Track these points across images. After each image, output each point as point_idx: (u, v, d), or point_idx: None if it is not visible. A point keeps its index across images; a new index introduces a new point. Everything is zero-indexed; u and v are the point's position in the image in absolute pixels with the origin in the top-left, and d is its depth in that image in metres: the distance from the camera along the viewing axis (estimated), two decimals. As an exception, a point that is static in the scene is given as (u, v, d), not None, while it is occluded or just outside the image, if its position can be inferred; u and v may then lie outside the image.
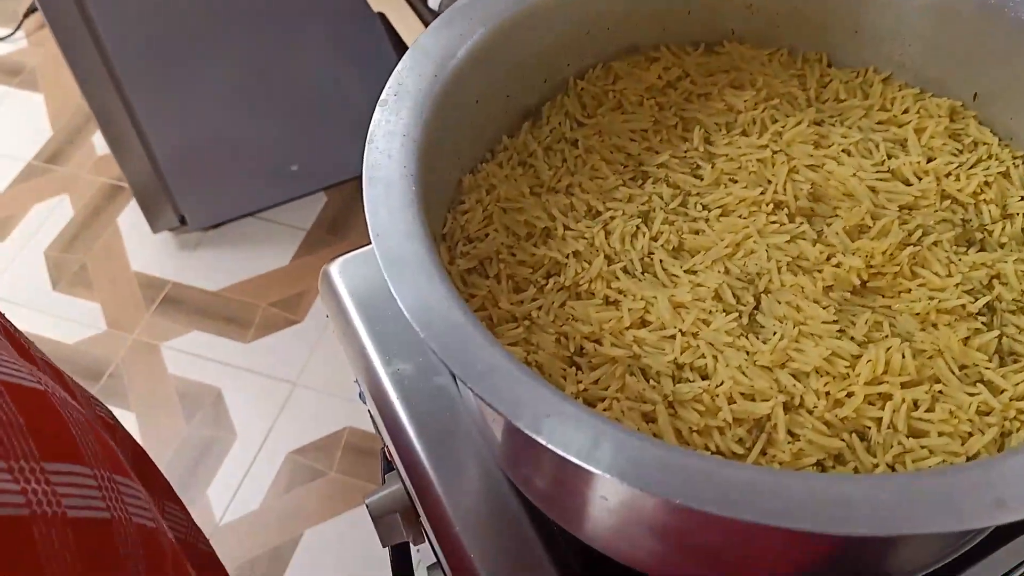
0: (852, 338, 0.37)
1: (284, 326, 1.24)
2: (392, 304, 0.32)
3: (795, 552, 0.33)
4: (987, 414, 0.35)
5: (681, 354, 0.37)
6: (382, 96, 0.40)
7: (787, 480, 0.27)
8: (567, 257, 0.41)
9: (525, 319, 0.39)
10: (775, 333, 0.37)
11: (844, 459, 0.34)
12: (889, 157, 0.44)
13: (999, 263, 0.40)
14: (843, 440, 0.34)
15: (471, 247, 0.42)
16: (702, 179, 0.44)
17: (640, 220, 0.42)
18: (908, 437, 0.34)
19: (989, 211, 0.42)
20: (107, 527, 0.27)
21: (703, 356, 0.37)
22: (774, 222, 0.41)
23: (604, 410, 0.35)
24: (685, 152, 0.46)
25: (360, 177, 0.37)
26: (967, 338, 0.37)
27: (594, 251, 0.41)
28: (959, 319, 0.38)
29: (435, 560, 0.44)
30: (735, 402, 0.35)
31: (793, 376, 0.36)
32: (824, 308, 0.38)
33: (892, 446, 0.34)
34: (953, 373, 0.36)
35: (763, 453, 0.34)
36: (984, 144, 0.44)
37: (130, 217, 1.37)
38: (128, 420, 1.14)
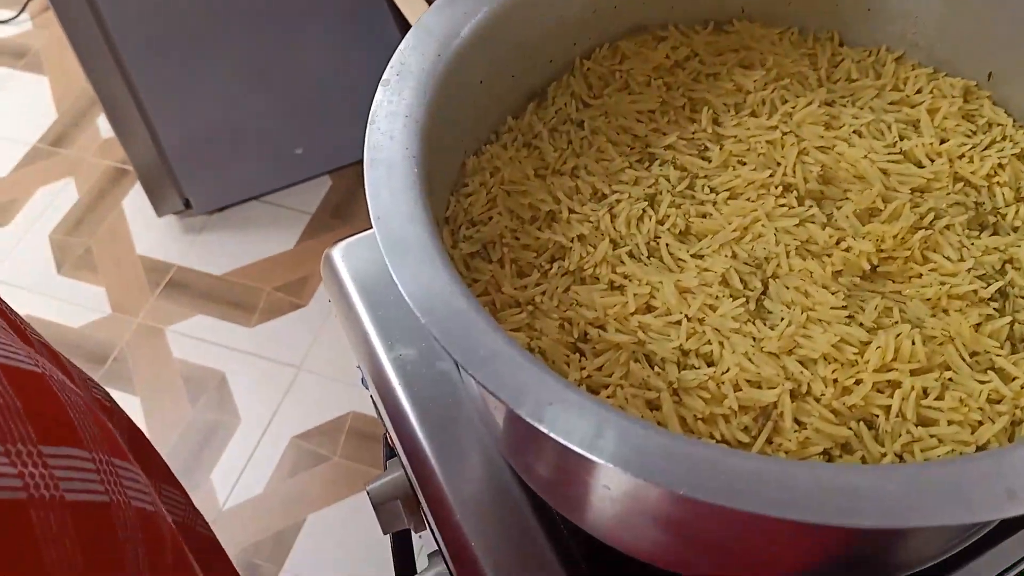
0: (861, 324, 0.36)
1: (288, 310, 1.24)
2: (394, 289, 0.32)
3: (800, 541, 0.32)
4: (998, 402, 0.34)
5: (687, 340, 0.36)
6: (384, 76, 0.40)
7: (793, 470, 0.27)
8: (572, 241, 0.40)
9: (528, 304, 0.38)
10: (783, 319, 0.37)
11: (851, 448, 0.33)
12: (901, 138, 0.43)
13: (1012, 247, 0.39)
14: (850, 429, 0.33)
15: (474, 231, 0.41)
16: (710, 161, 0.43)
17: (646, 203, 0.42)
18: (917, 426, 0.33)
19: (1003, 194, 0.41)
20: (106, 511, 0.27)
21: (709, 342, 0.36)
22: (783, 205, 0.40)
23: (608, 397, 0.35)
24: (693, 134, 0.45)
25: (365, 160, 0.37)
26: (978, 324, 0.36)
27: (599, 235, 0.41)
28: (971, 305, 0.37)
29: (436, 548, 0.44)
30: (741, 389, 0.34)
31: (800, 363, 0.35)
32: (833, 293, 0.37)
33: (900, 435, 0.33)
34: (964, 360, 0.35)
35: (769, 442, 0.33)
36: (998, 125, 0.43)
37: (135, 200, 1.37)
38: (132, 404, 1.15)
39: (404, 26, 0.90)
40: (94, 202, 1.39)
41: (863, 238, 0.39)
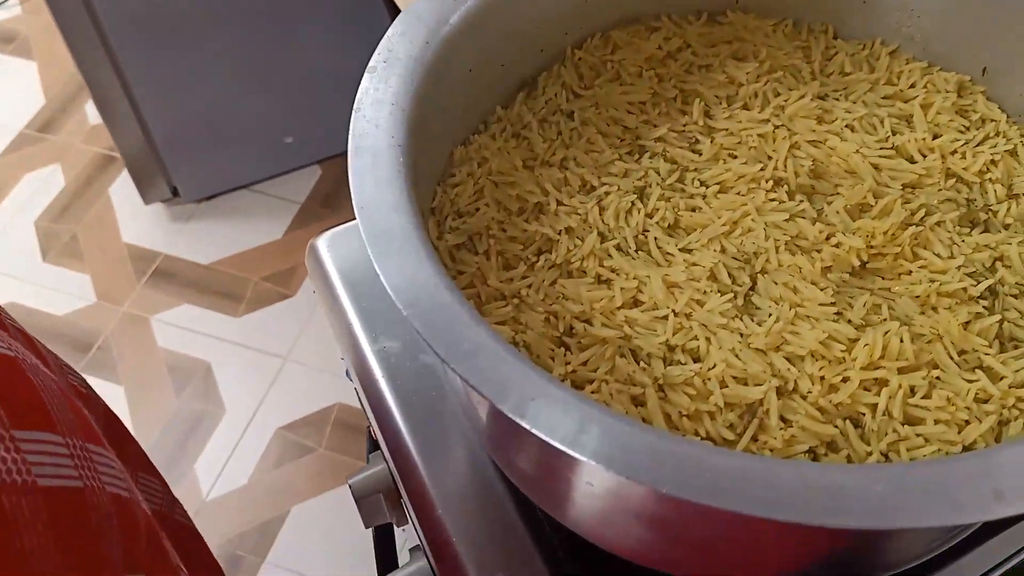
0: (849, 321, 0.36)
1: (276, 300, 1.23)
2: (380, 280, 0.31)
3: (785, 540, 0.32)
4: (985, 401, 0.34)
5: (673, 335, 0.36)
6: (371, 63, 0.39)
7: (778, 469, 0.26)
8: (559, 233, 0.40)
9: (514, 297, 0.38)
10: (770, 315, 0.36)
11: (837, 447, 0.33)
12: (894, 133, 0.42)
13: (1003, 245, 0.38)
14: (836, 427, 0.33)
15: (461, 222, 0.41)
16: (700, 154, 0.43)
17: (635, 196, 0.41)
18: (903, 424, 0.33)
19: (995, 191, 0.40)
20: (80, 496, 0.27)
21: (696, 338, 0.35)
22: (773, 199, 0.40)
23: (592, 392, 0.34)
24: (684, 126, 0.44)
25: (354, 150, 0.36)
26: (967, 322, 0.36)
27: (587, 228, 0.40)
28: (960, 303, 0.36)
29: (418, 542, 0.44)
30: (727, 386, 0.34)
31: (787, 360, 0.35)
32: (822, 290, 0.37)
33: (886, 434, 0.33)
34: (952, 359, 0.35)
35: (754, 439, 0.33)
36: (992, 121, 0.43)
37: (122, 188, 1.36)
38: (116, 393, 1.14)
39: (395, 13, 0.89)
40: (81, 189, 1.37)
41: (853, 234, 0.38)
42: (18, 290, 1.24)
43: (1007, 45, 0.42)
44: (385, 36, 0.40)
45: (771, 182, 0.40)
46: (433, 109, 0.39)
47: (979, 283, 0.37)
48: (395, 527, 0.51)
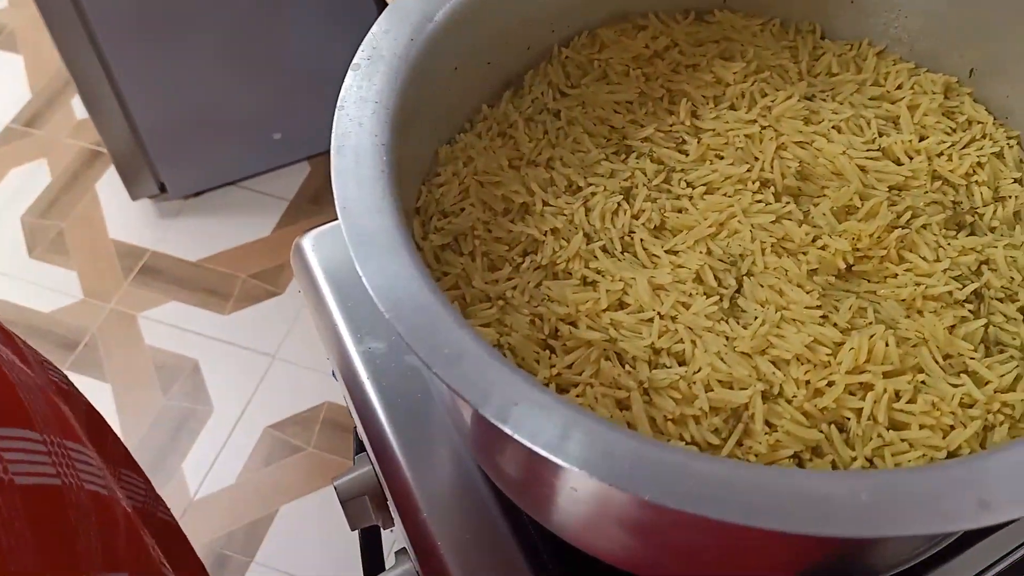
0: (835, 324, 0.36)
1: (264, 298, 1.22)
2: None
3: (770, 547, 0.32)
4: (970, 406, 0.33)
5: (659, 338, 0.35)
6: (355, 60, 0.39)
7: (763, 477, 0.26)
8: (545, 234, 0.39)
9: (499, 299, 0.38)
10: (756, 318, 0.36)
11: (822, 452, 0.33)
12: (880, 135, 0.42)
13: (989, 248, 0.38)
14: (821, 432, 0.33)
15: (446, 222, 0.40)
16: (687, 155, 0.42)
17: (621, 197, 0.41)
18: (888, 429, 0.33)
19: (981, 193, 0.40)
20: (57, 493, 0.27)
21: (681, 341, 0.35)
22: (760, 201, 0.40)
23: (577, 396, 0.34)
24: (671, 126, 0.44)
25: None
26: (953, 326, 0.36)
27: (573, 228, 0.40)
28: (945, 306, 0.36)
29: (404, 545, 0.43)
30: (712, 390, 0.34)
31: (773, 363, 0.34)
32: (808, 292, 0.37)
33: (871, 439, 0.32)
34: (937, 363, 0.34)
35: (739, 444, 0.32)
36: (978, 123, 0.43)
37: (109, 184, 1.34)
38: (103, 391, 1.13)
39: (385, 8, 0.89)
40: (67, 184, 1.36)
41: (839, 236, 0.38)
42: (3, 287, 1.23)
43: (994, 46, 0.42)
44: (369, 33, 0.39)
45: (758, 183, 0.40)
46: (418, 107, 0.39)
47: (965, 287, 0.37)
48: (381, 529, 0.50)
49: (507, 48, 0.45)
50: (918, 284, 0.37)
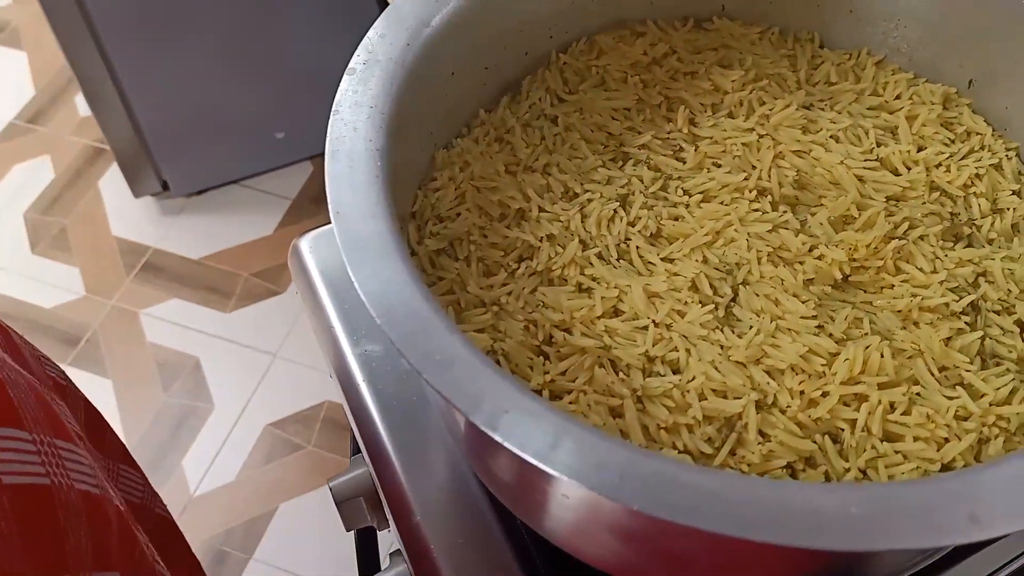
0: (830, 335, 0.35)
1: (266, 297, 1.22)
2: (358, 285, 0.31)
3: (761, 558, 0.32)
4: (965, 419, 0.33)
5: (653, 346, 0.35)
6: (350, 64, 0.39)
7: (755, 488, 0.26)
8: (540, 240, 0.39)
9: (494, 305, 0.38)
10: (751, 327, 0.36)
11: (815, 462, 0.32)
12: (879, 145, 0.42)
13: (986, 260, 0.38)
14: (815, 442, 0.33)
15: (441, 227, 0.40)
16: (684, 162, 0.42)
17: (618, 204, 0.41)
18: (882, 441, 0.33)
19: (979, 205, 0.40)
20: (46, 493, 0.27)
21: (675, 349, 0.35)
22: (756, 210, 0.40)
23: (570, 403, 0.34)
24: (668, 133, 0.44)
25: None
26: (949, 338, 0.35)
27: (569, 235, 0.40)
28: (942, 318, 0.36)
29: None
30: (706, 399, 0.34)
31: (767, 373, 0.34)
32: (803, 302, 0.36)
33: (865, 450, 0.32)
34: (932, 375, 0.34)
35: (732, 454, 0.32)
36: (977, 134, 0.43)
37: (112, 181, 1.35)
38: (104, 388, 1.13)
39: (387, 11, 0.88)
40: (70, 181, 1.36)
41: (836, 246, 0.38)
42: (6, 282, 1.23)
43: (993, 57, 0.42)
44: (366, 37, 0.39)
45: (755, 192, 0.40)
46: (414, 112, 0.39)
47: (961, 298, 0.37)
48: (377, 530, 0.50)
49: (505, 53, 0.45)
50: (914, 295, 0.37)
